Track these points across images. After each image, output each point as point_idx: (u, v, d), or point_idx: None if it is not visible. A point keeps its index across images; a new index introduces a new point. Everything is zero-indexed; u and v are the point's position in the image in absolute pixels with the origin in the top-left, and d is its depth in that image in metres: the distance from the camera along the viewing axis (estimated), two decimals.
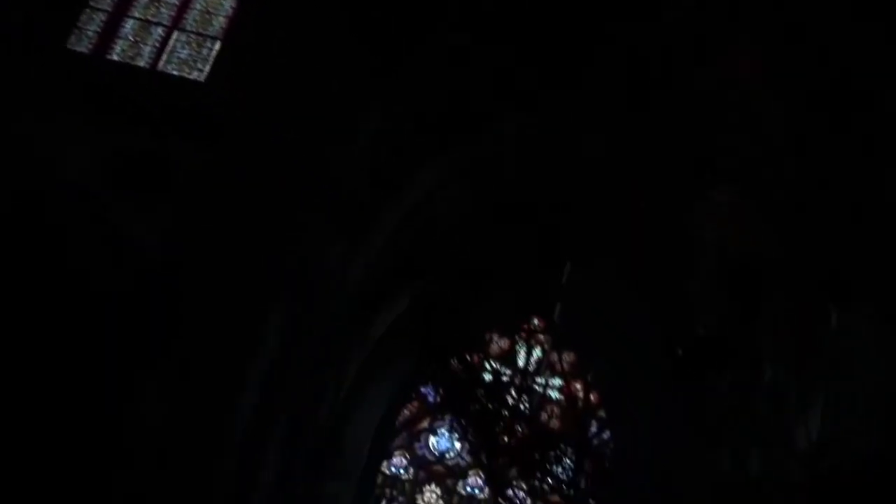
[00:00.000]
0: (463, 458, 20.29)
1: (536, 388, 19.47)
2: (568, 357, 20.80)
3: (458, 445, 20.32)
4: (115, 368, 11.69)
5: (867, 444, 10.11)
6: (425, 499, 20.17)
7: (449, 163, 17.11)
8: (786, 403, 13.08)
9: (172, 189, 13.01)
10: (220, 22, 15.75)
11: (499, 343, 21.30)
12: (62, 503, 10.93)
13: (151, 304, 12.10)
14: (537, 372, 20.73)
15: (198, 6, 15.89)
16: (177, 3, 15.90)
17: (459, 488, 20.35)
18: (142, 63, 15.37)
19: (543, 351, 21.12)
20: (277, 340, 13.74)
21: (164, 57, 15.43)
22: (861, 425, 10.48)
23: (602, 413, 20.05)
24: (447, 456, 20.57)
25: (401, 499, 20.11)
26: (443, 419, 20.43)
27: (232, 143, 13.75)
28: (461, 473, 20.41)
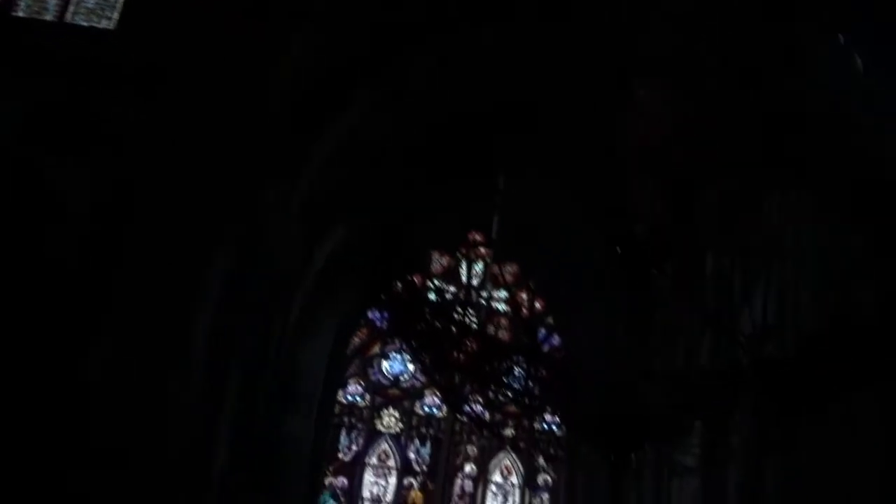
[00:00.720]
0: (417, 379, 20.44)
1: (482, 302, 19.60)
2: (510, 268, 20.94)
3: (410, 367, 20.47)
4: (60, 329, 11.53)
5: (809, 326, 10.30)
6: (384, 423, 20.34)
7: (372, 92, 17.02)
8: (730, 291, 13.27)
9: (98, 140, 12.76)
10: None
11: (440, 261, 21.39)
12: (17, 471, 10.82)
13: (89, 258, 11.93)
14: (481, 286, 20.85)
15: None
16: None
17: (417, 409, 20.54)
18: (48, 17, 15.02)
19: (485, 265, 21.23)
20: (222, 282, 13.66)
21: (71, 8, 15.06)
22: (803, 307, 10.67)
23: (549, 320, 20.25)
24: (401, 378, 20.71)
25: (360, 425, 20.25)
26: (393, 343, 20.52)
27: (152, 89, 13.50)
28: (417, 394, 20.58)
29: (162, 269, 12.37)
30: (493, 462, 20.21)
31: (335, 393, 20.30)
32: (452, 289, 20.01)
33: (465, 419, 19.59)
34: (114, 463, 10.98)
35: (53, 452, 10.81)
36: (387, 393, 20.66)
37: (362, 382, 20.68)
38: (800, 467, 10.23)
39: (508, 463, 20.23)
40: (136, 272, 12.22)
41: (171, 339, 12.24)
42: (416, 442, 20.26)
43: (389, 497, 19.76)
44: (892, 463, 9.63)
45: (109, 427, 11.13)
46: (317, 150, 16.74)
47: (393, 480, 19.91)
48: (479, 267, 21.43)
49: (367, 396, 20.58)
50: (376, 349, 20.96)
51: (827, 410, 8.13)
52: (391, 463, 20.06)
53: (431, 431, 20.38)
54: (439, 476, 19.93)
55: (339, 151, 17.22)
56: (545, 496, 20.10)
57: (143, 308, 12.08)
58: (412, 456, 20.16)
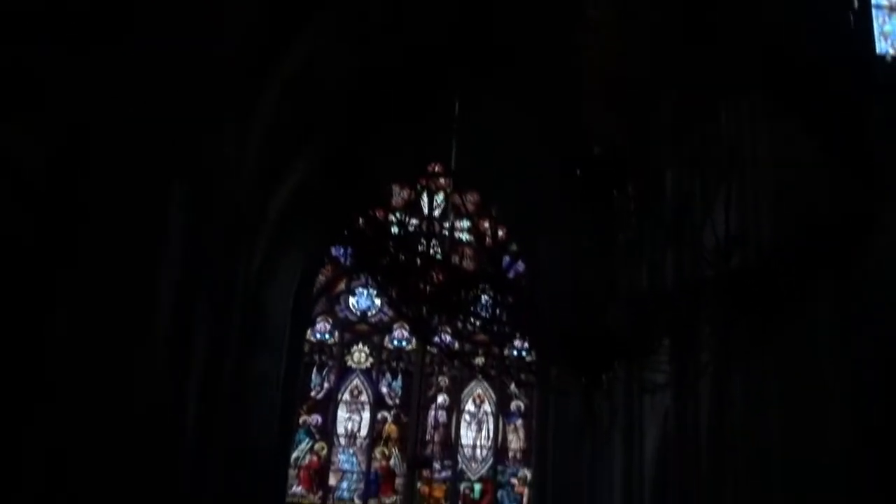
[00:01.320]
0: (385, 313, 20.48)
1: (445, 233, 19.60)
2: (471, 197, 20.92)
3: (377, 302, 20.49)
4: (22, 284, 11.37)
5: (771, 236, 10.38)
6: (354, 359, 20.40)
7: (326, 24, 16.85)
8: (690, 207, 13.34)
9: (46, 98, 12.49)
10: None
11: (401, 194, 21.34)
12: None
13: (48, 216, 11.75)
14: (443, 217, 20.84)
15: None
16: None
17: (386, 343, 20.61)
18: None
19: (446, 195, 21.19)
20: (182, 228, 13.54)
21: None
22: (763, 217, 10.73)
23: (513, 247, 20.30)
24: (369, 314, 20.74)
25: (330, 363, 20.30)
26: (359, 278, 20.53)
27: (96, 39, 13.21)
28: (385, 328, 20.63)
29: (122, 217, 12.22)
30: (465, 392, 20.35)
31: (304, 332, 20.30)
32: (415, 221, 19.97)
33: (434, 350, 19.79)
34: (83, 415, 10.92)
35: (20, 410, 10.72)
36: (355, 329, 20.70)
37: (330, 320, 20.69)
38: (766, 376, 10.38)
39: (480, 391, 20.38)
40: (97, 224, 12.06)
41: (136, 289, 12.13)
42: (388, 376, 20.35)
43: (364, 431, 19.88)
44: (847, 360, 9.82)
45: (76, 381, 11.05)
46: (271, 86, 16.57)
47: (366, 415, 20.02)
48: (440, 198, 21.41)
49: (336, 333, 20.61)
50: (342, 286, 20.96)
51: (792, 319, 8.22)
52: (363, 398, 20.15)
53: (402, 365, 20.48)
54: (412, 408, 20.05)
55: (295, 86, 17.07)
56: (519, 422, 20.29)
57: (105, 261, 11.94)
58: (384, 390, 20.26)
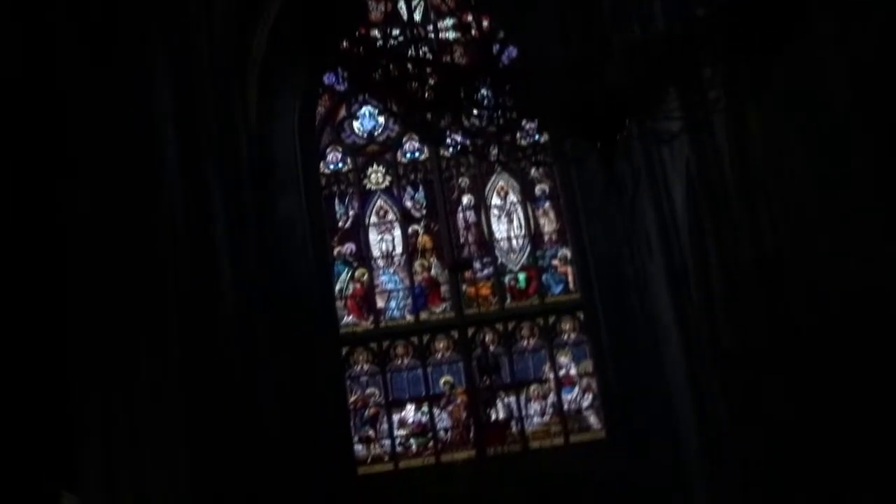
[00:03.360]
0: (391, 129, 20.42)
1: (431, 36, 19.30)
2: None
3: (381, 119, 20.41)
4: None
5: None
6: (373, 180, 20.44)
7: None
8: None
9: None
10: None
11: (378, 8, 20.93)
12: None
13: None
14: (425, 20, 20.49)
15: None
16: None
17: (400, 158, 20.61)
18: None
19: None
20: (171, 90, 13.38)
21: None
22: None
23: (501, 34, 19.98)
24: (376, 133, 20.67)
25: (350, 190, 20.36)
26: (357, 101, 20.38)
27: None
28: (395, 144, 20.60)
29: (117, 79, 11.99)
30: (488, 187, 20.42)
31: (316, 166, 20.30)
32: (397, 31, 19.64)
33: (448, 153, 19.83)
34: (104, 294, 10.93)
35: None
36: (366, 151, 20.67)
37: (339, 148, 20.64)
38: (778, 107, 10.30)
39: (502, 183, 20.44)
40: (92, 93, 11.83)
41: (142, 160, 12.06)
42: (409, 190, 20.42)
43: (399, 249, 20.07)
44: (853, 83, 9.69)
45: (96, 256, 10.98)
46: None
47: (397, 232, 20.18)
48: (417, 1, 21.00)
49: (348, 160, 20.59)
50: (343, 112, 20.83)
51: (793, 43, 8.08)
52: (390, 216, 20.28)
53: (420, 175, 20.52)
54: (440, 215, 20.18)
55: None
56: (546, 205, 20.39)
57: (106, 133, 11.78)
58: (408, 204, 20.36)
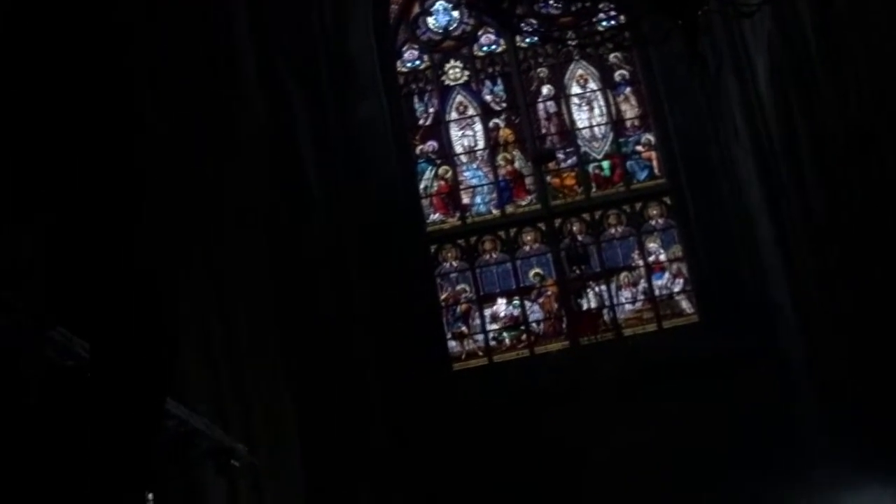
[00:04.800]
0: (466, 23, 20.24)
1: None
2: None
3: (455, 14, 20.24)
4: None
5: None
6: (451, 76, 20.30)
7: None
8: None
9: None
10: None
11: None
12: None
13: None
14: None
15: None
16: None
17: (476, 51, 20.42)
18: None
19: None
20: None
21: None
22: None
23: None
24: (450, 28, 20.48)
25: (428, 87, 20.26)
26: None
27: None
28: (471, 38, 20.41)
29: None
30: (567, 76, 20.17)
31: (393, 66, 20.20)
32: None
33: (525, 43, 19.61)
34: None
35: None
36: (442, 47, 20.51)
37: (415, 46, 20.50)
38: None
39: (581, 71, 20.17)
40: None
41: (220, 72, 12.09)
42: (487, 83, 20.25)
43: (481, 143, 20.00)
44: None
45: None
46: None
47: (478, 127, 20.08)
48: None
49: (425, 57, 20.46)
50: (417, 8, 20.64)
51: None
52: (471, 111, 20.17)
53: (498, 68, 20.32)
54: (520, 107, 20.02)
55: None
56: (627, 90, 20.10)
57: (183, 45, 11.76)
58: (488, 98, 20.21)
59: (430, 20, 20.55)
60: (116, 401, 8.38)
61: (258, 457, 11.51)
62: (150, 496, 8.50)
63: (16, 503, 6.43)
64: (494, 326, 18.99)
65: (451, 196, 19.76)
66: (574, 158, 19.74)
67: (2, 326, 6.66)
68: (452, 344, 18.90)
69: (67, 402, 7.66)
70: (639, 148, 19.73)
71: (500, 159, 19.88)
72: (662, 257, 19.14)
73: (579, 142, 19.83)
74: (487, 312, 19.06)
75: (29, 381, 7.05)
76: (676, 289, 18.93)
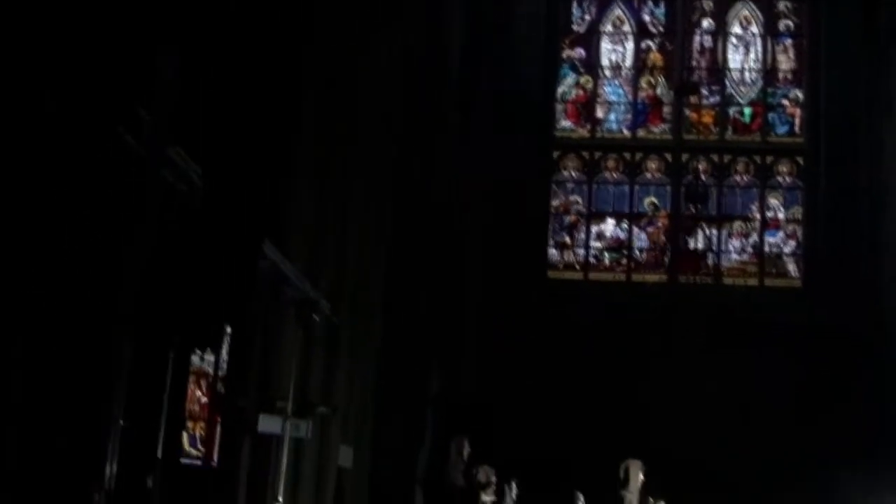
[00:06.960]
0: None
1: None
2: None
3: None
4: None
5: None
6: None
7: None
8: None
9: None
10: None
11: None
12: None
13: None
14: None
15: None
16: None
17: None
18: None
19: None
20: None
21: None
22: None
23: None
24: None
25: None
26: None
27: None
28: None
29: None
30: (731, 13, 19.74)
31: None
32: None
33: None
34: None
35: None
36: None
37: None
38: None
39: (747, 13, 19.72)
40: None
41: None
42: (650, 3, 19.91)
43: (628, 62, 19.76)
44: None
45: None
46: None
47: (630, 45, 19.83)
48: None
49: None
50: None
51: None
52: (626, 28, 19.89)
53: None
54: (677, 35, 19.69)
55: None
56: (788, 42, 19.62)
57: None
58: (647, 18, 19.90)
59: None
60: (218, 233, 8.72)
61: (340, 317, 11.88)
62: (229, 329, 8.86)
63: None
64: (598, 244, 19.01)
65: (586, 107, 19.63)
66: (717, 98, 19.43)
67: (129, 143, 6.98)
68: (553, 252, 18.98)
69: (175, 226, 8.01)
70: (785, 102, 19.33)
71: (643, 82, 19.65)
72: (781, 216, 18.87)
73: (727, 82, 19.49)
74: (594, 229, 19.07)
75: (146, 197, 7.39)
76: (787, 250, 18.70)
